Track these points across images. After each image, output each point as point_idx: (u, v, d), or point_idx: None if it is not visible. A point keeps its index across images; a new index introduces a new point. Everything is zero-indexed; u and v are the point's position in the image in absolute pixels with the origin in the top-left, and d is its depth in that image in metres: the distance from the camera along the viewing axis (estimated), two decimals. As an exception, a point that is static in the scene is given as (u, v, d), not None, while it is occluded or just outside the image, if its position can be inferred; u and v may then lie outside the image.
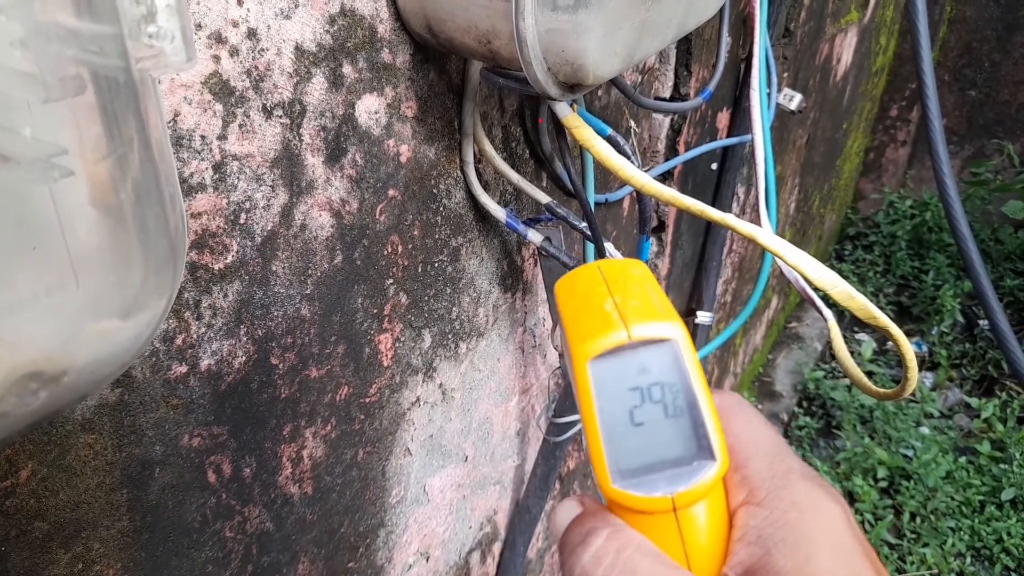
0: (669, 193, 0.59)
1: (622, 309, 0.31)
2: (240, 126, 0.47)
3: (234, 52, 0.46)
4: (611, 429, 0.30)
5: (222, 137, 0.46)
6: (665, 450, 0.30)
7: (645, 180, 0.60)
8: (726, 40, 1.07)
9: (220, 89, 0.45)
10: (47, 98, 0.25)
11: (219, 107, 0.46)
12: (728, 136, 1.41)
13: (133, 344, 0.26)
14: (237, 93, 0.47)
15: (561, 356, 0.96)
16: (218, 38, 0.44)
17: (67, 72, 0.24)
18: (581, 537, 0.30)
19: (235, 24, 0.45)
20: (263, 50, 0.47)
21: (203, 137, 0.45)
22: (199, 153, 0.45)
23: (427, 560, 0.86)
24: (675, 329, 0.30)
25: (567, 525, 0.32)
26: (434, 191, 0.67)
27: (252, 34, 0.46)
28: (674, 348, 0.30)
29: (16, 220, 0.25)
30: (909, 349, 0.60)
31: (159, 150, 0.26)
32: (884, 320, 0.57)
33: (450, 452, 0.84)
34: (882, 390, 0.76)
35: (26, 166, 0.25)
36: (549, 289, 0.85)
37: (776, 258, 0.63)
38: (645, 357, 0.30)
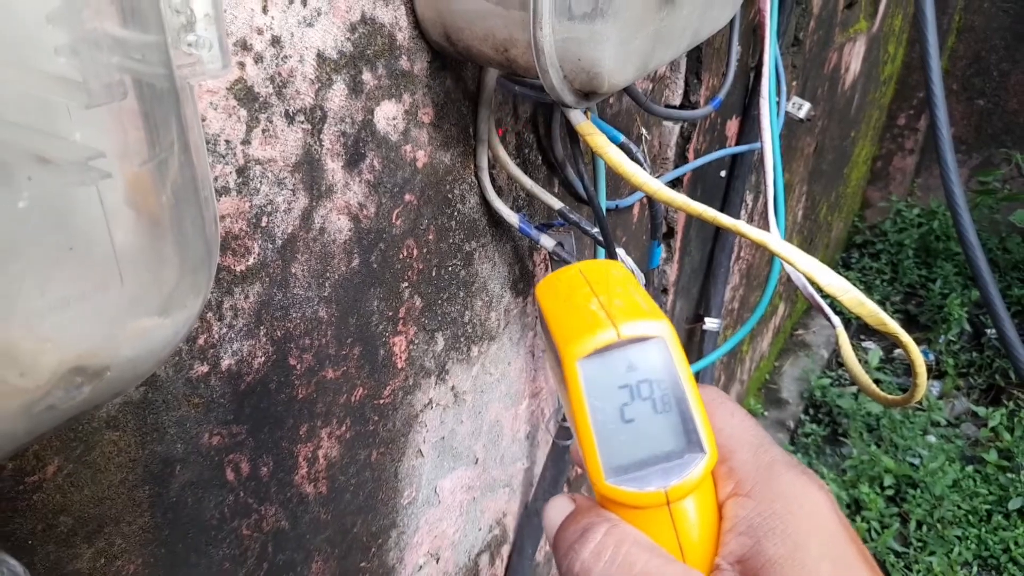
0: (681, 199, 0.60)
1: (608, 309, 0.31)
2: (263, 131, 0.48)
3: (259, 59, 0.47)
4: (603, 427, 0.30)
5: (246, 142, 0.47)
6: (656, 445, 0.31)
7: (657, 186, 0.61)
8: (736, 49, 1.08)
9: (245, 95, 0.46)
10: (89, 103, 0.26)
11: (243, 112, 0.47)
12: (737, 144, 1.42)
13: (170, 341, 0.27)
14: (261, 99, 0.48)
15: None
16: (243, 45, 0.45)
17: (110, 79, 0.25)
18: (578, 533, 0.30)
19: (260, 32, 0.46)
20: (286, 57, 0.48)
21: (228, 142, 0.46)
22: (224, 157, 0.46)
23: (437, 561, 0.87)
24: (662, 327, 0.31)
25: (561, 522, 0.32)
26: (449, 196, 0.68)
27: (276, 41, 0.47)
28: (661, 345, 0.31)
29: (56, 221, 0.26)
30: (919, 355, 0.61)
31: (197, 154, 0.27)
32: (894, 326, 0.58)
33: (461, 454, 0.85)
34: (890, 396, 0.76)
35: (64, 169, 0.26)
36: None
37: (786, 264, 0.63)
38: (633, 355, 0.31)
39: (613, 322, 0.31)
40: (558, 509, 0.33)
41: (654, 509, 0.30)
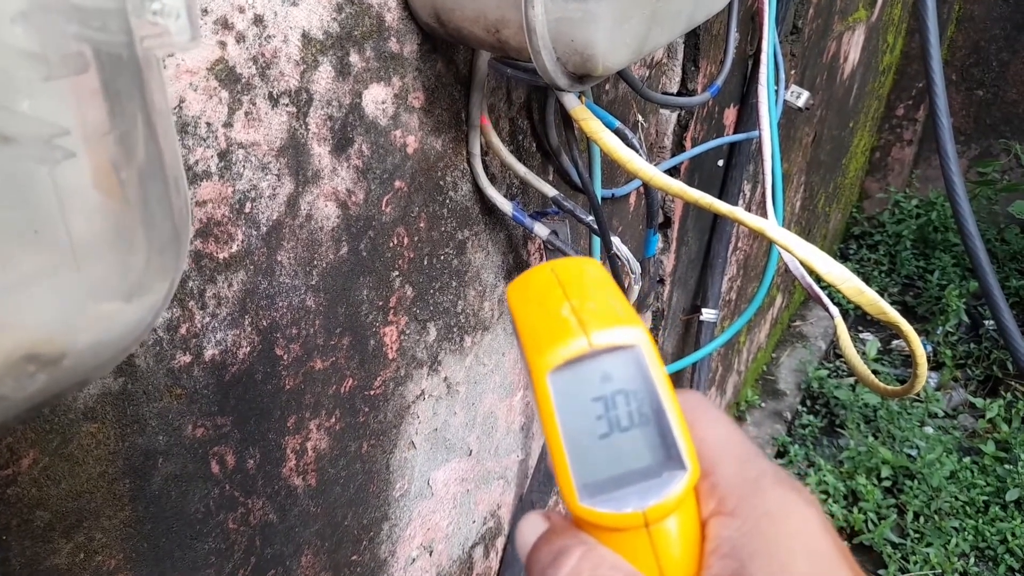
0: (677, 186, 0.59)
1: (580, 314, 0.29)
2: (246, 114, 0.47)
3: (240, 38, 0.45)
4: (575, 443, 0.28)
5: (228, 125, 0.46)
6: (633, 461, 0.29)
7: (653, 173, 0.59)
8: (734, 36, 1.06)
9: (226, 76, 0.45)
10: (49, 76, 0.24)
11: (225, 94, 0.45)
12: (735, 132, 1.40)
13: (136, 328, 0.25)
14: (243, 80, 0.46)
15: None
16: (224, 24, 0.44)
17: (69, 49, 0.24)
18: (551, 556, 0.29)
19: (242, 10, 0.45)
20: (270, 37, 0.47)
21: (208, 124, 0.45)
22: (204, 140, 0.45)
23: (430, 554, 0.86)
24: (637, 334, 0.29)
25: (534, 542, 0.30)
26: (440, 183, 0.67)
27: (259, 20, 0.46)
28: (637, 354, 0.29)
29: (16, 201, 0.24)
30: (919, 344, 0.59)
31: (163, 131, 0.26)
32: (894, 315, 0.57)
33: (454, 446, 0.83)
34: (889, 387, 0.75)
35: (27, 147, 0.25)
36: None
37: (784, 253, 0.62)
38: (607, 365, 0.29)
39: (585, 330, 0.28)
40: (531, 528, 0.31)
41: (632, 531, 0.28)
